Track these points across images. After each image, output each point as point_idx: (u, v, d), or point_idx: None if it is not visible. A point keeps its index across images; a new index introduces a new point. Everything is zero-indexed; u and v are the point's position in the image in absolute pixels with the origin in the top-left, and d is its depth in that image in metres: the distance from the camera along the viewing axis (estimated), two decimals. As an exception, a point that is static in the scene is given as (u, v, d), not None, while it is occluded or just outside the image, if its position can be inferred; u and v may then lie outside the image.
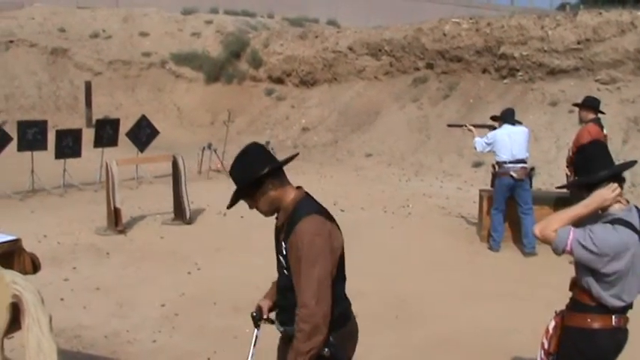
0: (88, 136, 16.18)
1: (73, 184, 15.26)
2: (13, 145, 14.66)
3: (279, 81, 25.45)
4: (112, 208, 11.76)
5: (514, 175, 10.80)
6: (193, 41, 28.14)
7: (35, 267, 5.07)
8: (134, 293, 8.86)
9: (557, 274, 6.63)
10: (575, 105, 11.34)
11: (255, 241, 11.01)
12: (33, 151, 14.76)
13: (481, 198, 11.68)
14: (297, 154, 4.49)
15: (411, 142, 19.66)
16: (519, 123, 11.46)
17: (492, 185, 11.30)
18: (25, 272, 4.86)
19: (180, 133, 21.59)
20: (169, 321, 7.99)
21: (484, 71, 20.54)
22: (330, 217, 4.02)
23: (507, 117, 11.24)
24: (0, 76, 25.15)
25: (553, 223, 4.30)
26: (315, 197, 4.11)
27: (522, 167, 10.91)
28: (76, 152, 15.25)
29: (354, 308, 4.23)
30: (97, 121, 17.21)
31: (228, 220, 12.64)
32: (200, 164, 16.96)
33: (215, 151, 17.03)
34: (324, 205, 4.08)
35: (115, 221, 11.74)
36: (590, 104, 10.69)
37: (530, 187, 11.15)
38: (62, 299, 8.38)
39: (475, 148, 11.45)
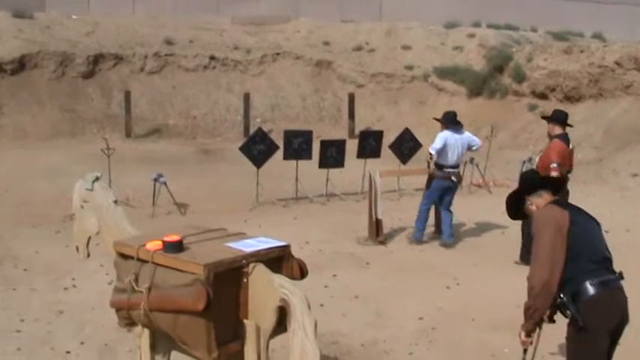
0: (351, 146, 16.49)
1: (335, 193, 15.63)
2: (279, 153, 15.27)
3: (543, 96, 24.71)
4: (374, 219, 11.88)
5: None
6: (456, 55, 28.01)
7: (302, 273, 5.17)
8: (392, 304, 8.88)
9: None
10: (543, 118, 11.42)
11: (511, 258, 10.76)
12: (298, 160, 15.28)
13: None
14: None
15: (686, 162, 18.40)
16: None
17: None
18: (292, 278, 4.96)
19: (441, 146, 21.59)
20: (426, 334, 7.92)
21: None
22: (567, 206, 5.12)
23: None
24: (267, 87, 26.34)
25: None
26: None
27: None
28: (339, 162, 15.61)
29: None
30: (361, 132, 17.52)
31: (488, 236, 12.44)
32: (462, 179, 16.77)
33: (477, 166, 16.80)
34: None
35: (376, 232, 11.85)
36: (557, 118, 10.67)
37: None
38: (322, 305, 8.52)
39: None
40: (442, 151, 11.58)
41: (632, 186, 17.64)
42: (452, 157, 11.68)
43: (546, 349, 6.30)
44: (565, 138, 10.46)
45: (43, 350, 7.21)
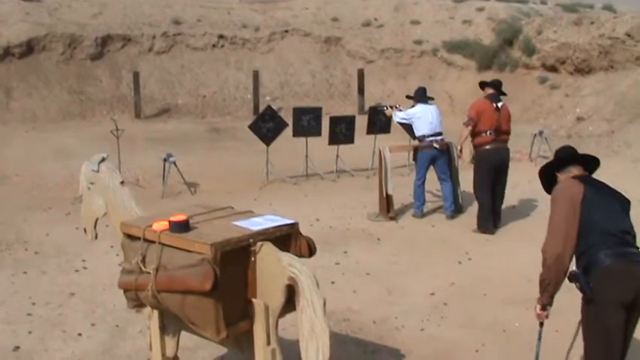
0: (361, 122, 16.42)
1: (345, 169, 15.58)
2: (289, 130, 15.23)
3: (553, 69, 24.53)
4: (384, 195, 11.84)
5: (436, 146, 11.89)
6: (465, 29, 27.83)
7: (311, 251, 5.13)
8: (404, 280, 8.85)
9: None
10: (481, 83, 11.84)
11: (528, 233, 10.67)
12: (307, 137, 15.23)
13: None
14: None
15: (699, 132, 18.24)
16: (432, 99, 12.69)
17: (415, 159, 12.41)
18: (300, 255, 4.94)
19: (452, 121, 21.28)
20: (438, 310, 7.90)
21: None
22: (585, 181, 5.03)
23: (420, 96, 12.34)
24: (276, 65, 26.29)
25: None
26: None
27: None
28: (349, 139, 15.56)
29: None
30: (370, 108, 17.43)
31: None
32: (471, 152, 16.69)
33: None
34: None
35: (387, 208, 11.81)
36: (491, 83, 11.51)
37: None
38: (333, 282, 8.53)
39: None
40: (420, 123, 12.04)
41: (645, 157, 17.51)
42: (430, 127, 11.96)
43: (562, 323, 6.25)
44: (492, 97, 11.11)
45: (55, 333, 7.21)
